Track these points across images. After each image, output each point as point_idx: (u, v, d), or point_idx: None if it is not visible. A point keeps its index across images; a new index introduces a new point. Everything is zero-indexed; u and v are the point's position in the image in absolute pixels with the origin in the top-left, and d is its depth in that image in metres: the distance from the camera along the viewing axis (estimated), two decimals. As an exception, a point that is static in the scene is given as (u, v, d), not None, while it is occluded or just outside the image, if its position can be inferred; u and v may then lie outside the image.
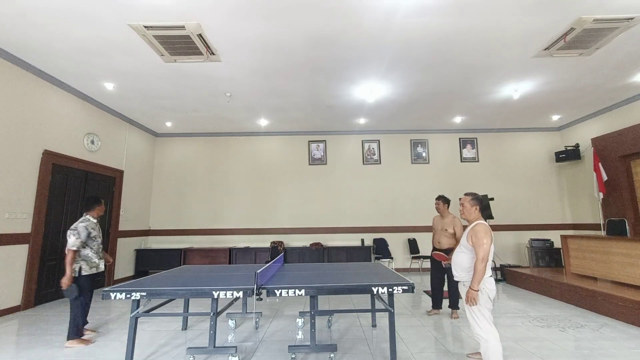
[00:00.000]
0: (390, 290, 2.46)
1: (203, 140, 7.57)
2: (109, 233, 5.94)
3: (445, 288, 3.99)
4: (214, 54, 4.04)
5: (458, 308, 3.88)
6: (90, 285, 3.23)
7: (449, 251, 3.83)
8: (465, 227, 2.53)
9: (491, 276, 2.40)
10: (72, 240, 3.07)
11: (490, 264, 2.41)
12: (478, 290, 2.30)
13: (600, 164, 6.01)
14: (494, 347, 2.26)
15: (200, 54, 4.00)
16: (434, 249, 4.07)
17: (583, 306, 4.11)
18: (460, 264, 2.49)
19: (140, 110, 6.04)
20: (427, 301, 4.58)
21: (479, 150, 7.51)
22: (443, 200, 4.04)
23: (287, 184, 7.40)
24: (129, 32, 3.60)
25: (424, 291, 5.12)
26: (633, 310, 3.48)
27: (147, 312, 2.86)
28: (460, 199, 2.63)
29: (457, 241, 3.87)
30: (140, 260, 6.71)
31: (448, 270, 3.88)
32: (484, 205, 2.55)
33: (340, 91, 5.28)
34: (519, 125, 7.34)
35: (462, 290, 2.50)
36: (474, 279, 2.30)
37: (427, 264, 6.73)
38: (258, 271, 2.46)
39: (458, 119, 6.78)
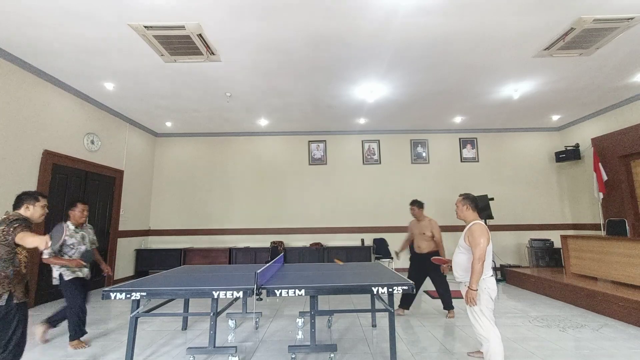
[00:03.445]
0: (390, 290, 2.46)
1: (203, 140, 7.57)
2: (109, 233, 5.94)
3: (433, 288, 3.99)
4: (213, 54, 4.04)
5: (452, 307, 3.87)
6: (82, 292, 3.01)
7: (431, 255, 3.81)
8: (463, 229, 2.54)
9: (492, 276, 2.42)
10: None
11: (490, 264, 2.42)
12: (476, 290, 2.31)
13: (600, 164, 6.01)
14: (496, 346, 2.27)
15: (200, 54, 4.00)
16: (414, 253, 4.09)
17: (583, 306, 4.11)
18: (460, 265, 2.52)
19: (140, 110, 6.03)
20: (428, 301, 4.58)
21: (479, 150, 7.51)
22: (417, 204, 4.08)
23: (287, 183, 7.40)
24: (129, 32, 3.60)
25: (424, 291, 5.12)
26: (633, 310, 3.47)
27: (147, 312, 2.86)
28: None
29: (437, 243, 3.92)
30: (140, 260, 6.71)
31: (432, 272, 3.88)
32: (478, 205, 2.61)
33: (340, 91, 5.28)
34: (519, 125, 7.34)
35: (463, 290, 2.51)
36: (471, 278, 2.32)
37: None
38: (258, 271, 2.46)
39: (458, 119, 6.78)
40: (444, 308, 3.91)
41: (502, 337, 3.09)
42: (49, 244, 2.05)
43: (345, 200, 7.35)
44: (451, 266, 2.67)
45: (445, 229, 7.08)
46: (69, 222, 3.06)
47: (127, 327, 3.44)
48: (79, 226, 3.10)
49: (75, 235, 3.02)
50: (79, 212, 3.08)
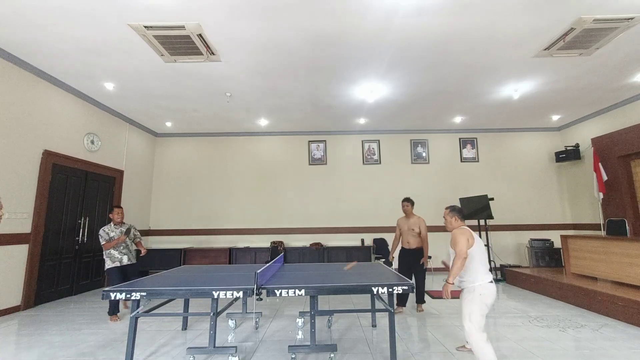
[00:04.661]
0: (390, 290, 2.46)
1: (203, 140, 7.57)
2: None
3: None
4: (214, 54, 4.04)
5: (424, 301, 4.17)
6: (119, 276, 3.86)
7: (418, 251, 4.12)
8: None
9: (491, 282, 2.42)
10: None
11: (486, 266, 2.47)
12: (452, 284, 2.42)
13: (600, 164, 6.01)
14: (478, 350, 2.31)
15: (200, 54, 4.00)
16: (402, 249, 4.27)
17: (583, 306, 4.11)
18: None
19: (140, 110, 6.03)
20: (428, 301, 4.58)
21: (479, 150, 7.51)
22: (411, 202, 4.27)
23: (287, 184, 7.40)
24: (129, 32, 3.60)
25: (425, 291, 5.11)
26: (633, 310, 3.47)
27: (147, 312, 2.86)
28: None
29: (423, 239, 4.14)
30: (140, 260, 6.68)
31: (418, 269, 4.12)
32: (464, 213, 2.69)
33: (340, 91, 5.28)
34: (519, 125, 7.34)
35: (463, 295, 2.57)
36: (449, 273, 2.43)
37: (430, 264, 6.72)
38: (258, 271, 2.46)
39: (458, 119, 6.78)
40: (417, 302, 4.16)
41: (502, 337, 3.10)
42: None
43: (345, 200, 7.35)
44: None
45: (445, 229, 7.10)
46: (111, 222, 4.02)
47: (127, 327, 3.45)
48: (117, 224, 4.03)
49: (115, 231, 3.98)
50: (115, 214, 4.01)
